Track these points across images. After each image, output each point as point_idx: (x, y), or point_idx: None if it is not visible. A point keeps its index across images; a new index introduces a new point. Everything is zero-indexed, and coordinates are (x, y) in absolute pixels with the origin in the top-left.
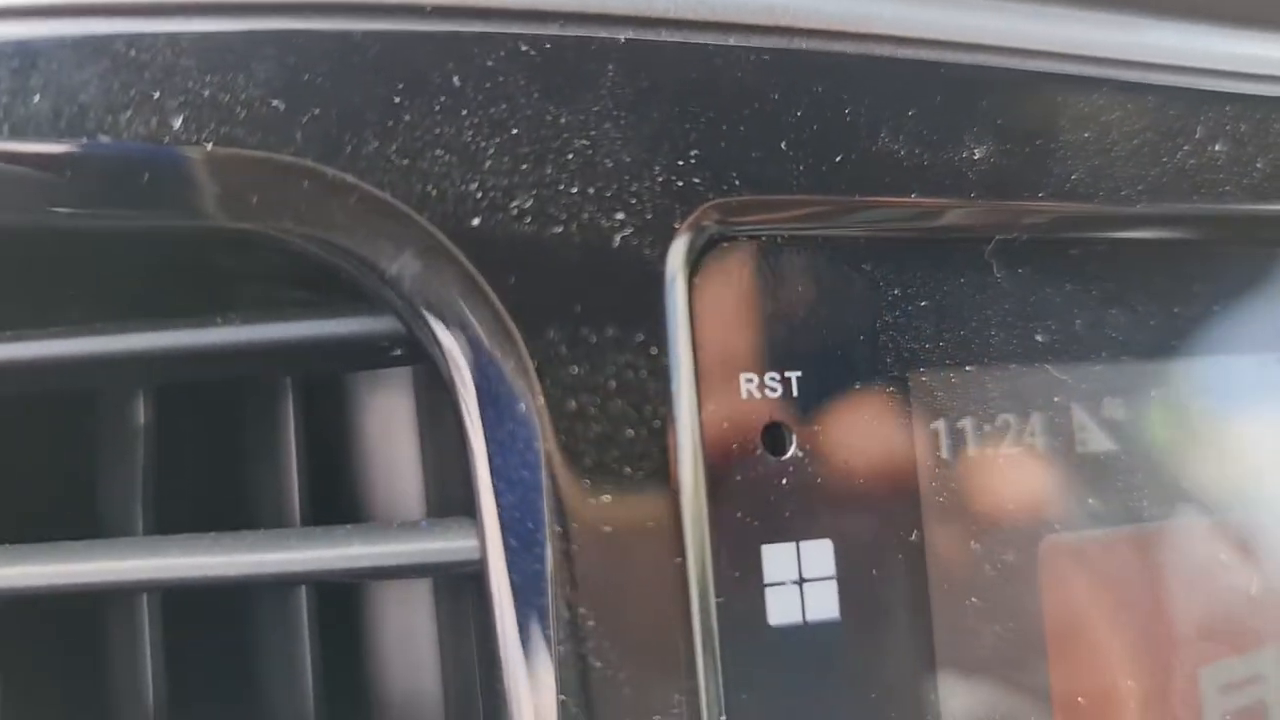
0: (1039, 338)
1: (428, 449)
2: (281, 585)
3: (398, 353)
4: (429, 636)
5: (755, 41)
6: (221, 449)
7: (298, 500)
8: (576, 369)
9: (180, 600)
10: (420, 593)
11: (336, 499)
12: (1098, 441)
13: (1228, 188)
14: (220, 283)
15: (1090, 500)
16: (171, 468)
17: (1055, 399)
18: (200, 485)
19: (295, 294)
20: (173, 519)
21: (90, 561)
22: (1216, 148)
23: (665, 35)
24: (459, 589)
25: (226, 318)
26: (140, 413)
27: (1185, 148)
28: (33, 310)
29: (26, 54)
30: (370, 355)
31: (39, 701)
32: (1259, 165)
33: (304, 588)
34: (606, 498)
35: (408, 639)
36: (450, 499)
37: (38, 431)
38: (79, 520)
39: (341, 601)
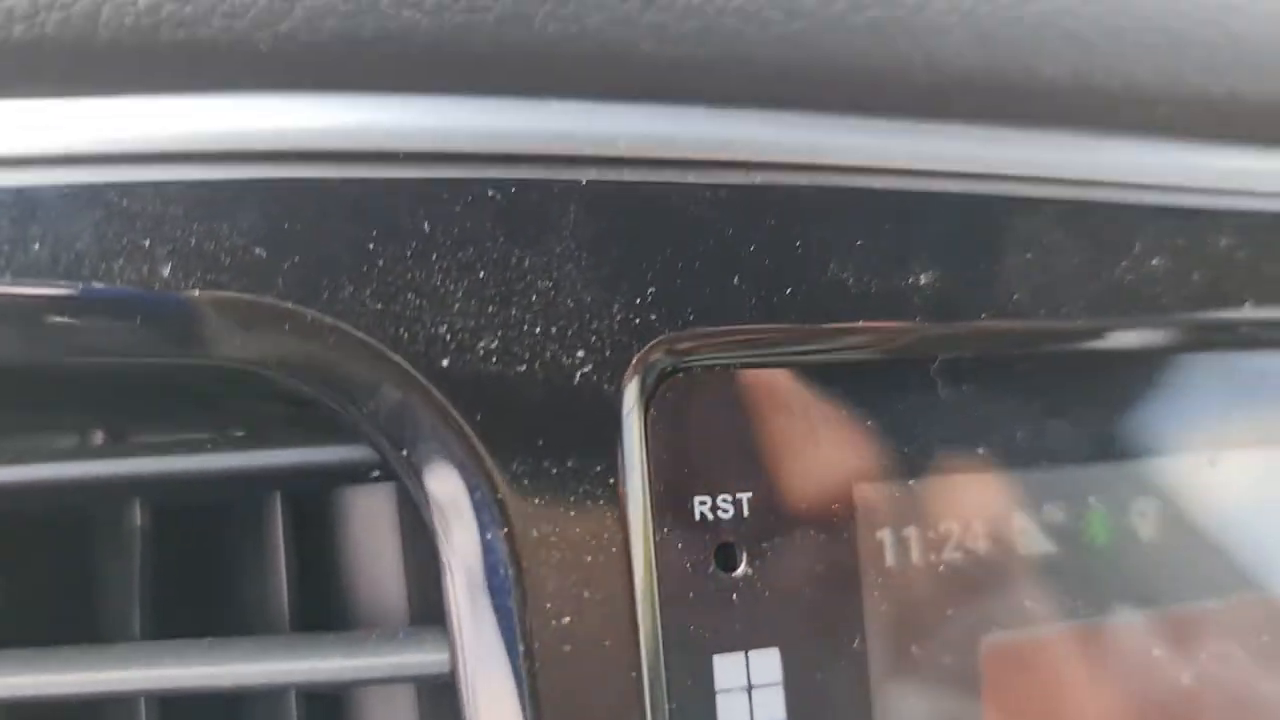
0: (980, 450)
1: (410, 555)
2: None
3: (376, 475)
4: None
5: (711, 178)
6: (214, 553)
7: (286, 602)
8: (539, 500)
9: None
10: (404, 690)
11: (325, 598)
12: (1037, 544)
13: (1165, 300)
14: (208, 397)
15: (1028, 602)
16: (167, 571)
17: (996, 506)
18: (195, 588)
19: (279, 409)
20: (169, 620)
21: (89, 671)
22: (1154, 261)
23: (626, 174)
24: (439, 689)
25: (217, 444)
26: (137, 517)
27: (1124, 263)
28: (28, 415)
29: (26, 203)
30: (353, 476)
31: None
32: (1195, 277)
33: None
34: (567, 619)
35: None
36: (432, 601)
37: (38, 534)
38: (79, 620)
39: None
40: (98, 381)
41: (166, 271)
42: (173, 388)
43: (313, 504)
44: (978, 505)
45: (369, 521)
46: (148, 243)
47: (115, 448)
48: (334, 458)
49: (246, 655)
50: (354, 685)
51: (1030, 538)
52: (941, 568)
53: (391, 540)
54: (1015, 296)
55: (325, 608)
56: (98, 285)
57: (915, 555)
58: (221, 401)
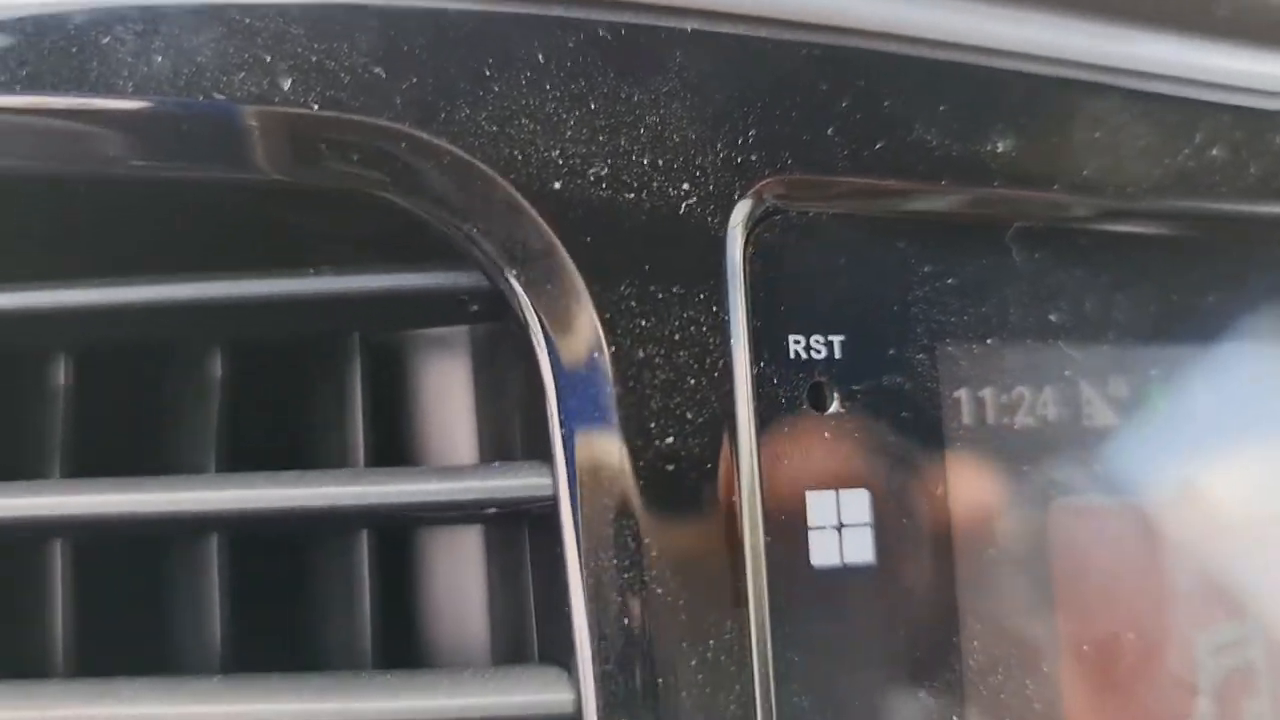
0: (1052, 317)
1: (483, 409)
2: (362, 520)
3: (475, 309)
4: (478, 585)
5: (807, 38)
6: (290, 406)
7: (363, 455)
8: (644, 322)
9: (249, 544)
10: (470, 546)
11: (396, 457)
12: (1102, 415)
13: (1223, 189)
14: (290, 242)
15: (1092, 469)
16: (243, 423)
17: (1065, 374)
18: (268, 440)
19: (362, 255)
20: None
21: (179, 492)
22: (1214, 153)
23: (727, 28)
24: (510, 539)
25: (319, 270)
26: (217, 367)
27: (1185, 151)
28: (106, 261)
29: (150, 18)
30: (447, 311)
31: (109, 628)
32: (1252, 170)
33: (365, 536)
34: (670, 440)
35: (458, 587)
36: (507, 455)
37: (118, 383)
38: (153, 471)
39: (397, 555)
40: (177, 223)
41: (287, 86)
42: (255, 233)
43: (386, 361)
44: (1046, 372)
45: (441, 376)
46: (269, 58)
47: (202, 275)
48: (436, 283)
49: (342, 481)
50: (454, 509)
51: (1095, 407)
52: (1016, 427)
53: (465, 395)
54: (1084, 174)
55: (397, 461)
56: (218, 98)
57: (991, 414)
58: (300, 249)
